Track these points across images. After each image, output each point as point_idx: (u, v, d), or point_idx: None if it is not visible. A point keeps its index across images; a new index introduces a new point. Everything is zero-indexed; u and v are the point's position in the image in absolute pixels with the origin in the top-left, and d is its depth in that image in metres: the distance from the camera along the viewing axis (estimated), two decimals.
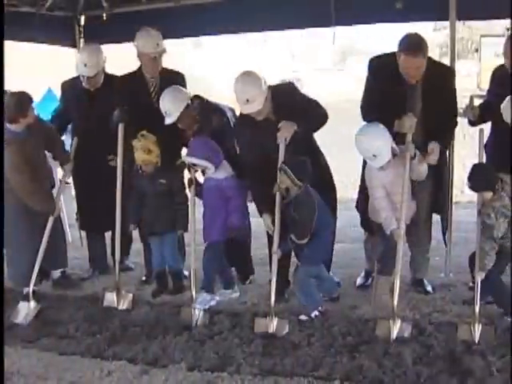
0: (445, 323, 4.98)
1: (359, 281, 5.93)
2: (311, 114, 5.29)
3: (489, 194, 4.78)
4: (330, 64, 42.54)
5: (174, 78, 6.03)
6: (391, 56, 5.24)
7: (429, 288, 5.70)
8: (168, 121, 5.58)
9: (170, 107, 5.58)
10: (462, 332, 4.75)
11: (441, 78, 5.28)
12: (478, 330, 4.69)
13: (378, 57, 5.49)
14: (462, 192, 9.23)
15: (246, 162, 5.43)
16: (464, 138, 14.44)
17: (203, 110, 5.73)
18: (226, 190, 5.48)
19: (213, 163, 5.39)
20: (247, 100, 5.08)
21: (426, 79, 5.18)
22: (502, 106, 5.01)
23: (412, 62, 5.05)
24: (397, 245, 5.00)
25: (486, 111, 5.36)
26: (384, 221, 5.13)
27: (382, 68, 5.36)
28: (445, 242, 5.87)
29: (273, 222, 5.20)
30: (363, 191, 5.49)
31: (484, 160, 5.16)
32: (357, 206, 5.74)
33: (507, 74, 5.22)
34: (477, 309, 4.77)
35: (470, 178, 4.85)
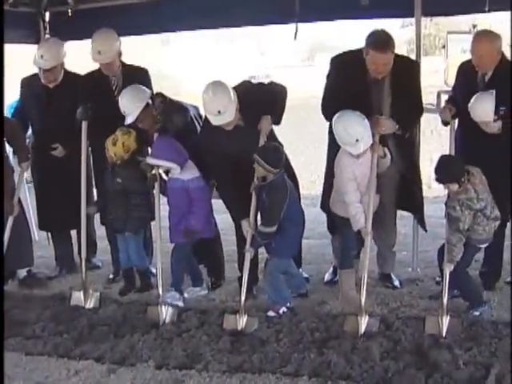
0: (412, 317, 5.01)
1: (327, 277, 5.94)
2: (274, 107, 5.30)
3: (455, 186, 4.79)
4: (298, 61, 42.65)
5: (138, 75, 5.99)
6: (355, 52, 5.28)
7: (396, 283, 5.74)
8: (127, 120, 5.53)
9: (129, 107, 5.52)
10: (429, 325, 4.78)
11: (407, 71, 5.33)
12: (445, 322, 4.73)
13: (341, 54, 5.51)
14: (429, 187, 9.28)
15: (218, 172, 5.37)
16: (431, 133, 14.62)
17: (165, 109, 5.65)
18: (192, 191, 5.41)
19: (178, 164, 5.33)
20: (219, 112, 5.04)
21: (392, 74, 5.21)
22: (469, 105, 5.04)
23: (380, 58, 5.07)
24: (360, 240, 5.03)
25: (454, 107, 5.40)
26: (353, 217, 5.10)
27: (345, 64, 5.37)
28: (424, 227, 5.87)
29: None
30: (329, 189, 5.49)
31: (453, 151, 5.19)
32: (323, 207, 5.74)
33: (473, 70, 5.26)
34: (445, 301, 4.80)
35: (436, 170, 4.86)
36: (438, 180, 4.87)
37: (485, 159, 4.98)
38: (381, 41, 5.09)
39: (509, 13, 5.71)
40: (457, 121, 5.44)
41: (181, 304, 5.42)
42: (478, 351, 4.40)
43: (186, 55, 34.80)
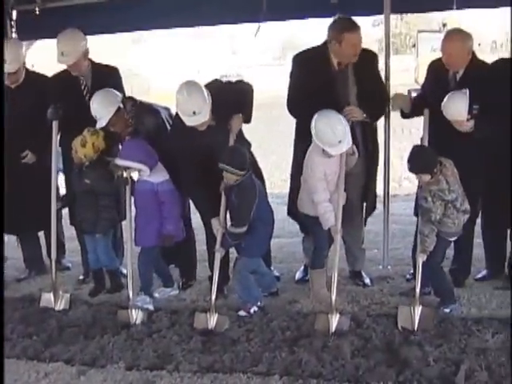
0: (383, 315, 5.03)
1: (298, 275, 5.94)
2: (245, 106, 5.33)
3: (427, 177, 4.80)
4: (270, 59, 42.71)
5: (107, 74, 5.95)
6: (316, 48, 5.42)
7: (367, 280, 5.76)
8: (99, 125, 5.48)
9: (100, 111, 5.47)
10: (402, 317, 4.82)
11: (367, 61, 5.41)
12: (418, 313, 4.78)
13: (303, 51, 5.58)
14: (400, 185, 9.37)
15: (188, 172, 5.31)
16: (402, 131, 14.70)
17: (137, 112, 5.62)
18: (161, 194, 5.37)
19: (147, 166, 5.29)
20: (193, 112, 5.02)
21: (354, 64, 5.32)
22: (442, 104, 5.06)
23: (357, 39, 5.21)
24: (331, 239, 5.06)
25: (421, 105, 5.43)
26: (322, 216, 5.10)
27: (308, 60, 5.43)
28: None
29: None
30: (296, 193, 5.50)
31: (426, 142, 5.21)
32: (290, 212, 5.76)
33: (443, 69, 5.30)
34: (417, 291, 4.85)
35: (409, 160, 4.86)
36: (411, 170, 4.88)
37: (456, 157, 5.01)
38: (351, 22, 5.23)
39: (479, 11, 5.78)
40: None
41: (151, 307, 5.37)
42: (447, 348, 4.42)
43: (158, 54, 34.74)
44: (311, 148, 5.13)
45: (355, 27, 5.21)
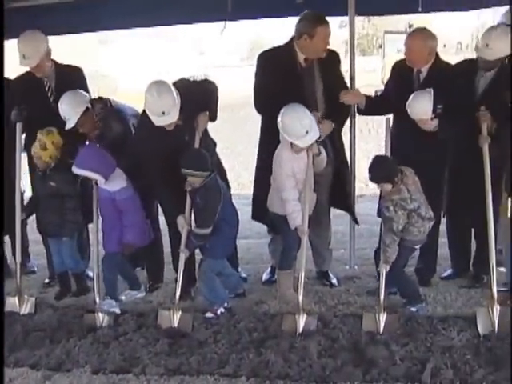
0: (349, 315, 5.05)
1: (265, 276, 5.95)
2: (211, 104, 5.38)
3: (388, 186, 4.84)
4: (237, 60, 42.68)
5: (71, 74, 5.91)
6: (280, 46, 5.45)
7: (334, 281, 5.79)
8: (67, 125, 5.44)
9: (69, 112, 5.44)
10: (366, 322, 4.84)
11: (331, 61, 5.49)
12: (382, 319, 4.80)
13: (267, 50, 5.62)
14: (366, 185, 9.40)
15: (154, 171, 5.28)
16: (369, 132, 14.80)
17: (105, 115, 5.58)
18: (119, 202, 5.34)
19: (101, 175, 5.25)
20: (163, 112, 5.00)
21: (318, 62, 5.38)
22: (407, 102, 5.13)
23: (328, 31, 5.27)
24: (300, 240, 5.06)
25: (382, 104, 5.51)
26: (290, 215, 5.12)
27: (273, 58, 5.45)
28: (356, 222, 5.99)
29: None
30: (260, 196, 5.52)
31: (389, 151, 5.24)
32: (256, 216, 5.77)
33: (407, 69, 5.38)
34: (381, 298, 4.88)
35: (370, 169, 4.91)
36: (372, 179, 4.93)
37: (420, 157, 5.08)
38: (322, 16, 5.29)
39: (445, 14, 5.84)
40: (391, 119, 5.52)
41: (118, 311, 5.31)
42: (413, 346, 4.46)
43: (125, 54, 34.51)
44: (280, 146, 5.15)
45: (326, 21, 5.28)
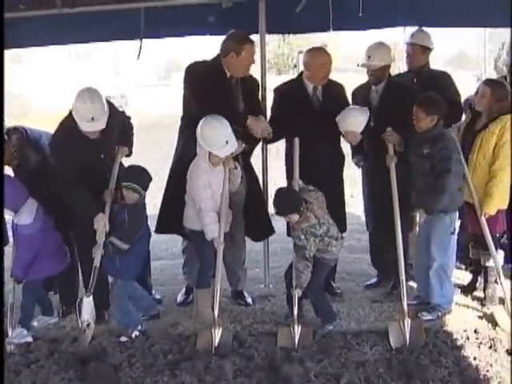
0: (265, 333, 5.06)
1: (180, 297, 5.88)
2: (129, 141, 5.48)
3: (295, 217, 4.92)
4: (155, 80, 42.54)
5: None
6: (210, 61, 5.50)
7: (249, 300, 5.79)
8: None
9: None
10: (281, 337, 4.89)
11: (250, 84, 5.63)
12: (297, 332, 4.85)
13: (196, 62, 5.61)
14: None
15: (72, 178, 5.12)
16: (277, 152, 14.90)
17: (21, 145, 5.49)
18: (31, 237, 5.23)
19: (9, 209, 5.12)
20: (92, 118, 4.94)
21: (241, 82, 5.51)
22: (341, 114, 5.42)
23: (254, 49, 5.41)
24: (217, 252, 5.08)
25: (279, 128, 5.60)
26: (206, 226, 5.12)
27: (206, 70, 5.47)
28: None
29: None
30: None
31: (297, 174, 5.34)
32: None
33: (302, 88, 5.63)
34: (295, 313, 4.92)
35: (275, 203, 4.98)
36: (279, 213, 4.99)
37: (317, 173, 5.36)
38: (246, 36, 5.42)
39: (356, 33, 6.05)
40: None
41: (30, 339, 5.18)
42: (328, 362, 4.51)
43: (40, 73, 33.97)
44: (196, 157, 5.20)
45: (252, 40, 5.42)
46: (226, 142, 5.03)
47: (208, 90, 5.23)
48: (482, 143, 5.32)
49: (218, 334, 4.82)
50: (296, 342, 4.81)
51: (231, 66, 5.39)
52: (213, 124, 5.04)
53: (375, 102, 5.72)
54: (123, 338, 5.03)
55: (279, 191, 5.03)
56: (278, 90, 5.78)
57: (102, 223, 5.01)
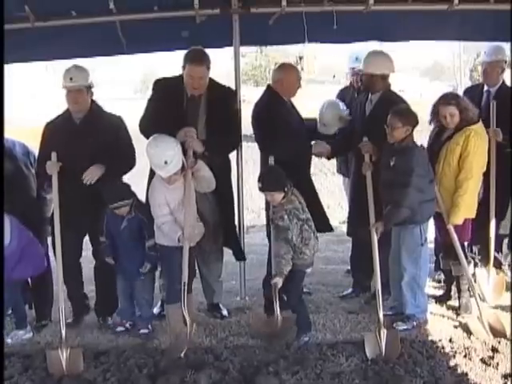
0: (240, 346, 5.05)
1: (155, 310, 5.83)
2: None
3: (280, 195, 4.93)
4: (131, 93, 42.47)
5: None
6: (176, 77, 5.55)
7: (224, 312, 5.78)
8: None
9: None
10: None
11: (223, 96, 5.59)
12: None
13: (163, 78, 5.75)
14: (259, 216, 9.50)
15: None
16: (254, 163, 14.91)
17: None
18: (9, 256, 5.12)
19: None
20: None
21: (209, 95, 5.49)
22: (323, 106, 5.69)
23: (196, 72, 5.34)
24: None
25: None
26: (168, 233, 5.14)
27: (165, 86, 5.56)
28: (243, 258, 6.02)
29: None
30: None
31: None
32: None
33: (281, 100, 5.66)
34: (278, 313, 5.04)
35: (260, 179, 5.00)
36: (263, 189, 5.01)
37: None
38: (196, 55, 5.40)
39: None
40: None
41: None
42: (304, 374, 4.51)
43: (19, 89, 33.81)
44: (155, 177, 5.23)
45: (196, 60, 5.36)
46: (165, 162, 5.00)
47: (163, 109, 5.33)
48: (447, 154, 5.35)
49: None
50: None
51: (185, 83, 5.45)
52: (153, 144, 5.06)
53: (368, 110, 5.75)
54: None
55: (265, 169, 5.12)
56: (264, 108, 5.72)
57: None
